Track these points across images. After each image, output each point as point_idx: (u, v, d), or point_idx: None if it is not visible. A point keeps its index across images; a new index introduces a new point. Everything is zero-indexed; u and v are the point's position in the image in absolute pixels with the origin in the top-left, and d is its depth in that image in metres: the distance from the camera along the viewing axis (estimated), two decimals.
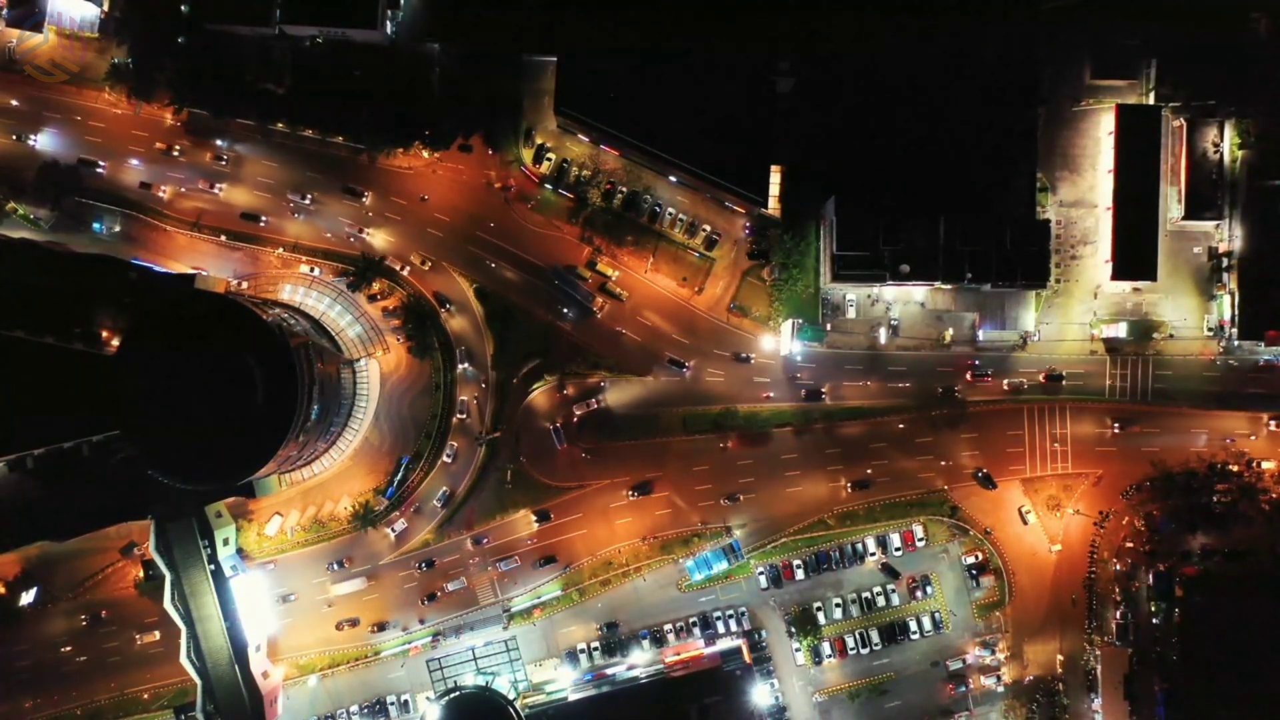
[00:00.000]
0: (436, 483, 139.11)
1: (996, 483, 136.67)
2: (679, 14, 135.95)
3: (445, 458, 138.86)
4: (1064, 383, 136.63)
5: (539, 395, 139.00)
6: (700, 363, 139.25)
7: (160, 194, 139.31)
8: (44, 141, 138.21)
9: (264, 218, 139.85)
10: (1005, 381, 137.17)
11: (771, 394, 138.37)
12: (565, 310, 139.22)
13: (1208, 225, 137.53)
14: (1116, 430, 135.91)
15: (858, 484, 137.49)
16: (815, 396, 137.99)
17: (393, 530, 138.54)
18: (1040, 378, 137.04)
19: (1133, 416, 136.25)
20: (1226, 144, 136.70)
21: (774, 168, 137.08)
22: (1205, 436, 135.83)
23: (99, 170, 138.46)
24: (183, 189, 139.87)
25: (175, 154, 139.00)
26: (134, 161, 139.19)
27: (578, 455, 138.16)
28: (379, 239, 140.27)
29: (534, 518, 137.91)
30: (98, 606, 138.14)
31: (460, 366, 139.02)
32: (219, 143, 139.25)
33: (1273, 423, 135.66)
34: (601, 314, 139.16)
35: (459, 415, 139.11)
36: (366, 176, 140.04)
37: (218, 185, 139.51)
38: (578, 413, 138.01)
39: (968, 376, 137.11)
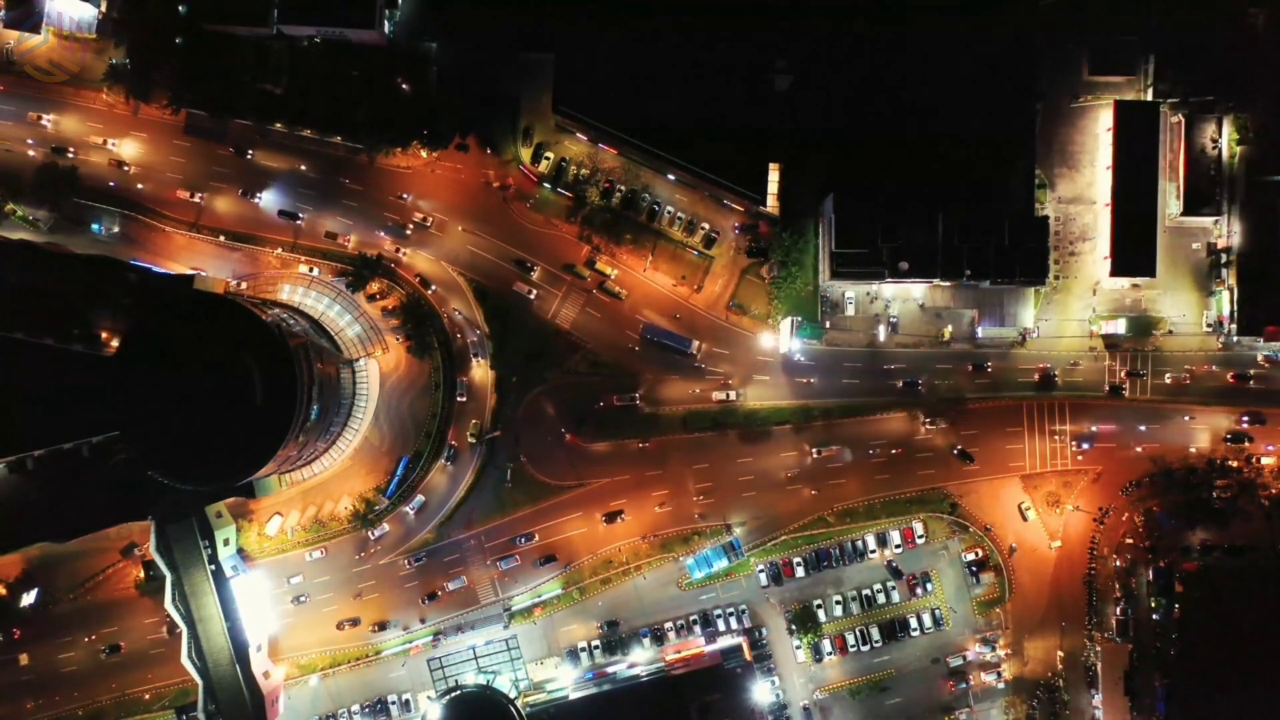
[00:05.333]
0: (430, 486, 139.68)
1: (972, 456, 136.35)
2: (677, 12, 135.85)
3: (443, 460, 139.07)
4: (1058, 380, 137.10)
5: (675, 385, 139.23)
6: (699, 362, 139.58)
7: (345, 243, 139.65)
8: (268, 199, 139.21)
9: (434, 285, 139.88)
10: (1167, 376, 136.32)
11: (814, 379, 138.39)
12: (669, 357, 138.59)
13: (1206, 221, 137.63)
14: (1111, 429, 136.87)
15: (607, 516, 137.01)
16: (913, 386, 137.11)
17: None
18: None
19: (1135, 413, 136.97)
20: (1225, 139, 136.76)
21: (772, 165, 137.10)
22: (1205, 432, 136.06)
23: (299, 221, 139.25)
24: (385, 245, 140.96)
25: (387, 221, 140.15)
26: (384, 233, 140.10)
27: (584, 451, 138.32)
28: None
29: (603, 519, 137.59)
30: (109, 629, 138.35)
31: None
32: (420, 201, 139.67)
33: (928, 421, 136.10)
34: (700, 355, 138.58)
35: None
36: (365, 176, 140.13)
37: (402, 250, 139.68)
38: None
39: (1123, 374, 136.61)
